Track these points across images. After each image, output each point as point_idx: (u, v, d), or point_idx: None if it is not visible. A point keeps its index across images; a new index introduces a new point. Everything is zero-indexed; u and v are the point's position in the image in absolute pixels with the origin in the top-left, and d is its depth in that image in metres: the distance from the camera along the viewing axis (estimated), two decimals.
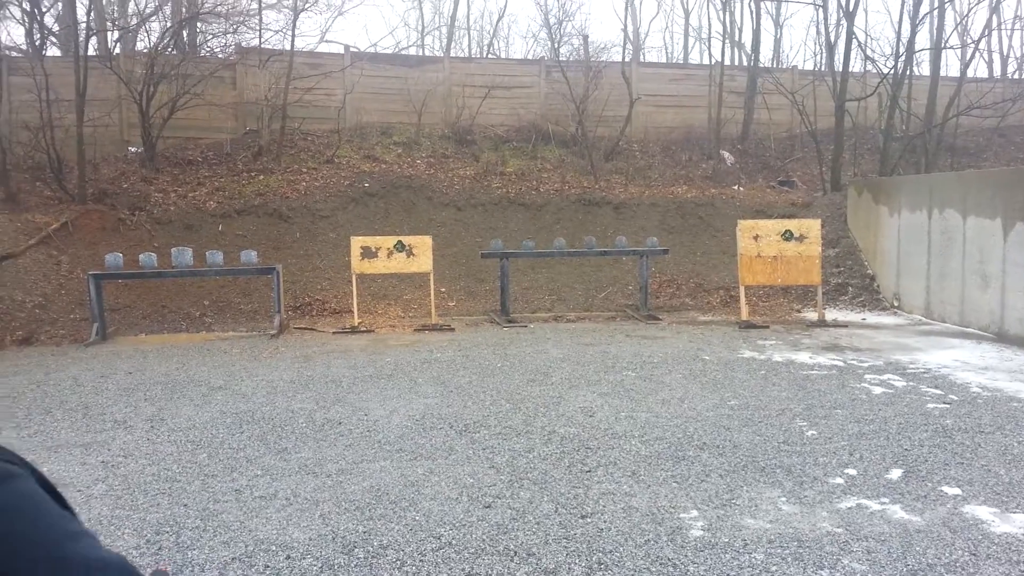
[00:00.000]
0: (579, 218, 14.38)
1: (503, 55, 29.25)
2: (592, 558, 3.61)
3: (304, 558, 3.64)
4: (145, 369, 8.05)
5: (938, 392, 6.74)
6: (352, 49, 17.57)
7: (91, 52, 14.62)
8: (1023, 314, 9.25)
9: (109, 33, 17.00)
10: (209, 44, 17.98)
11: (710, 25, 41.03)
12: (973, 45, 19.24)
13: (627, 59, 19.62)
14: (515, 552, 3.68)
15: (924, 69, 20.19)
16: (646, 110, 17.53)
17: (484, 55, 27.45)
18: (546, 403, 6.45)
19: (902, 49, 16.17)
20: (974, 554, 3.62)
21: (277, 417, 6.11)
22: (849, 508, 4.18)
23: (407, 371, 7.77)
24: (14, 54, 16.34)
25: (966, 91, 16.33)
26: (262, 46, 16.93)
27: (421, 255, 10.81)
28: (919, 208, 11.30)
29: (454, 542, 3.79)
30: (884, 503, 4.25)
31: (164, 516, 4.15)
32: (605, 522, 4.01)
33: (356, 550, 3.71)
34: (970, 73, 18.58)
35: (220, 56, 16.95)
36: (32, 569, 0.69)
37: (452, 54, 23.63)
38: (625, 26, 30.88)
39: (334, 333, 10.14)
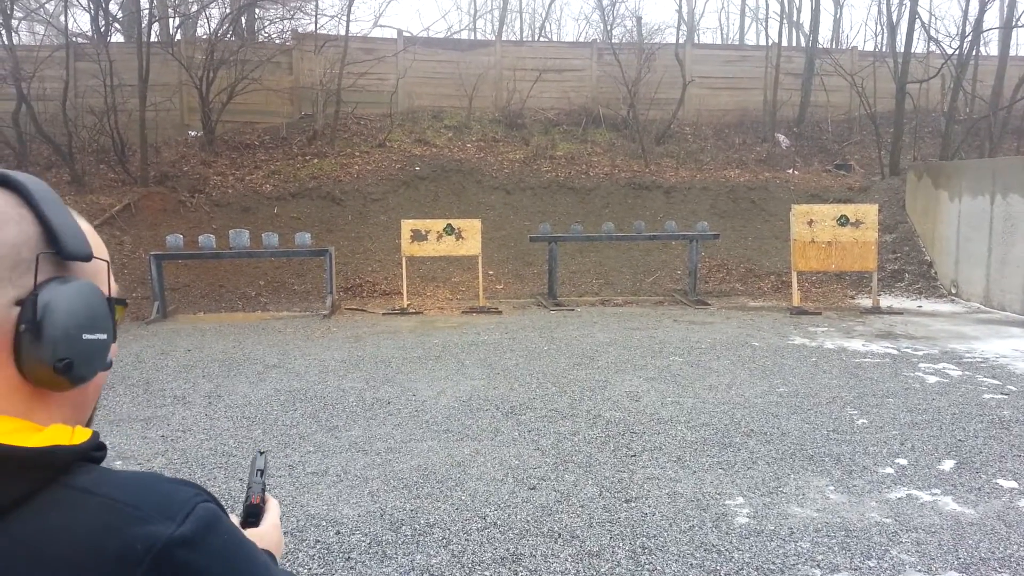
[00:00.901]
0: (628, 202, 14.29)
1: (555, 38, 29.12)
2: (636, 542, 3.63)
3: (353, 534, 3.74)
4: (203, 347, 8.30)
5: (995, 382, 6.57)
6: (405, 34, 17.68)
7: (153, 38, 15.01)
8: None
9: (171, 20, 17.40)
10: (267, 30, 18.30)
11: (767, 5, 40.07)
12: None
13: (681, 41, 19.34)
14: (559, 534, 3.72)
15: (991, 49, 19.49)
16: (699, 93, 17.28)
17: (536, 38, 27.34)
18: (592, 387, 6.47)
19: (968, 28, 15.62)
20: None
21: (329, 395, 6.26)
22: (899, 498, 4.13)
23: (455, 353, 7.86)
24: (80, 40, 16.83)
25: None
26: (318, 31, 17.17)
27: (470, 238, 10.89)
28: (981, 193, 10.95)
29: (499, 522, 3.86)
30: (935, 494, 4.18)
31: (220, 490, 4.30)
32: (649, 507, 4.03)
33: (403, 527, 3.80)
34: None
35: (277, 42, 17.24)
36: None
37: (504, 37, 23.60)
38: (680, 7, 30.37)
39: (384, 314, 10.30)
